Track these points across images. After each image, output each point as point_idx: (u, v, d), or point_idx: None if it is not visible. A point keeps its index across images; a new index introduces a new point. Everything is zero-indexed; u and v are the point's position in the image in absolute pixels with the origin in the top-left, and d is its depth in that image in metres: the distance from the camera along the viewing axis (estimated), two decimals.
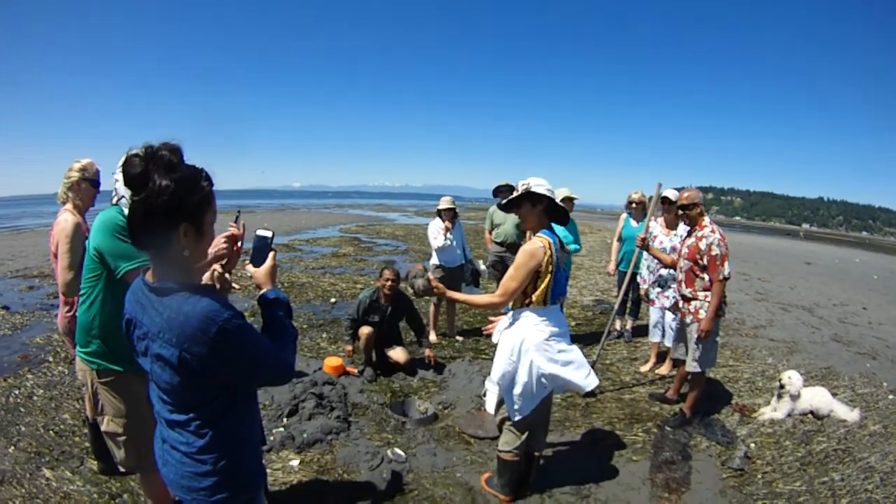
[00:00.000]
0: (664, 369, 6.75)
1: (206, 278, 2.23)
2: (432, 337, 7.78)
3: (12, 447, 4.45)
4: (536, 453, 4.05)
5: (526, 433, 3.78)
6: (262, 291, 2.10)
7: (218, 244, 2.55)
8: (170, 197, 1.64)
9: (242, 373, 1.82)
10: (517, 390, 3.59)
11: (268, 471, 4.23)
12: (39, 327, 7.90)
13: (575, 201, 7.55)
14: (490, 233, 8.20)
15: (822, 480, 4.39)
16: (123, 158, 1.68)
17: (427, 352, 6.46)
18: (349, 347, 6.48)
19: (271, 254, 2.15)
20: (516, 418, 3.64)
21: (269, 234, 2.16)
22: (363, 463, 4.39)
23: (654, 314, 6.94)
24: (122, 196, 3.21)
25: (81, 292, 3.20)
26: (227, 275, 2.31)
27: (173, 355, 1.68)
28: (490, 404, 3.96)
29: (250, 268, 2.13)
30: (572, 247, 7.47)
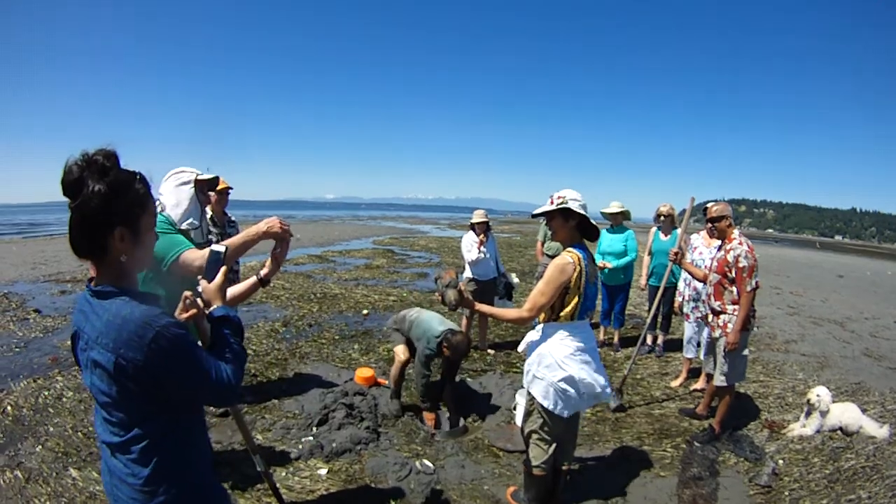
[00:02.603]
0: (699, 384, 6.71)
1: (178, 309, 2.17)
2: None
3: (40, 447, 4.60)
4: (564, 467, 4.03)
5: (553, 447, 3.78)
6: (210, 309, 2.05)
7: (274, 223, 2.63)
8: (101, 201, 1.62)
9: (179, 385, 1.71)
10: (555, 400, 3.58)
11: (295, 479, 4.32)
12: (70, 331, 7.98)
13: (627, 213, 7.78)
14: (542, 244, 8.29)
15: (850, 498, 4.35)
16: (63, 168, 1.66)
17: (447, 398, 5.81)
18: (432, 417, 5.53)
19: (222, 269, 2.13)
20: (565, 414, 3.63)
21: (222, 249, 2.17)
22: (391, 473, 4.45)
23: (688, 329, 6.93)
24: (165, 206, 3.33)
25: None
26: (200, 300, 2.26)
27: (109, 361, 1.61)
28: (519, 417, 3.97)
29: (203, 283, 2.11)
30: (625, 259, 7.54)
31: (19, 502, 3.81)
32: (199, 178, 3.57)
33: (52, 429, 4.93)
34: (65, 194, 1.64)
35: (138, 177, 1.76)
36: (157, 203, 3.34)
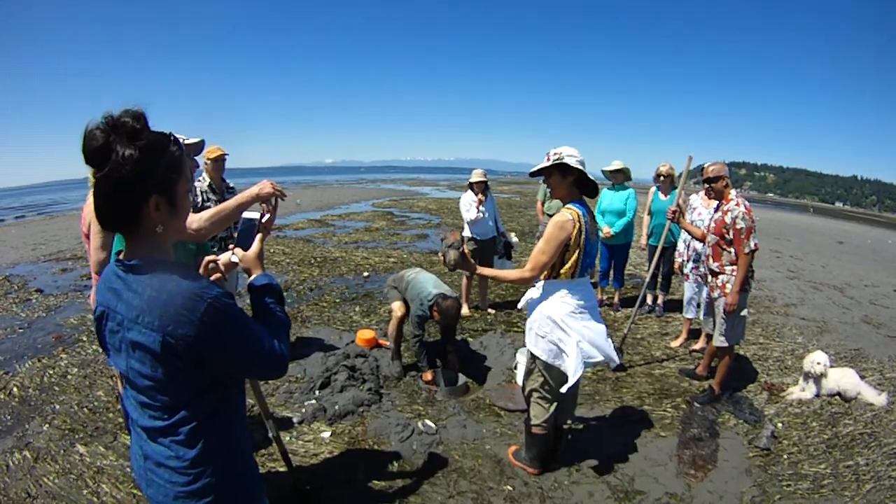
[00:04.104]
0: (699, 344, 6.74)
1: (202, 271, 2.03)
2: (464, 310, 7.83)
3: (47, 425, 4.62)
4: (565, 426, 4.09)
5: (554, 405, 3.82)
6: (250, 278, 1.93)
7: (265, 185, 2.58)
8: (134, 167, 1.47)
9: (233, 360, 1.62)
10: (556, 359, 3.60)
11: (299, 442, 4.36)
12: (73, 308, 8.09)
13: (627, 171, 7.81)
14: (542, 204, 8.32)
15: (847, 464, 4.38)
16: (84, 133, 1.48)
17: (450, 357, 5.92)
18: (429, 375, 5.61)
19: (259, 236, 2.03)
20: (573, 378, 3.58)
21: (256, 215, 2.09)
22: (394, 434, 4.49)
23: (688, 290, 6.92)
24: None
25: None
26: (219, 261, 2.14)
27: (155, 341, 1.49)
28: (520, 376, 3.98)
29: (238, 251, 1.99)
30: (623, 220, 7.57)
31: (29, 482, 3.82)
32: (186, 142, 3.50)
33: (58, 406, 4.95)
34: (88, 163, 1.49)
35: (172, 138, 1.62)
36: None
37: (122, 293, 1.56)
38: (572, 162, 3.51)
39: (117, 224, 1.58)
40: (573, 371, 3.57)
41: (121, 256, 1.62)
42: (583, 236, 3.49)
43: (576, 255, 3.51)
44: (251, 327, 1.64)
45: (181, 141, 3.41)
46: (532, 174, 3.82)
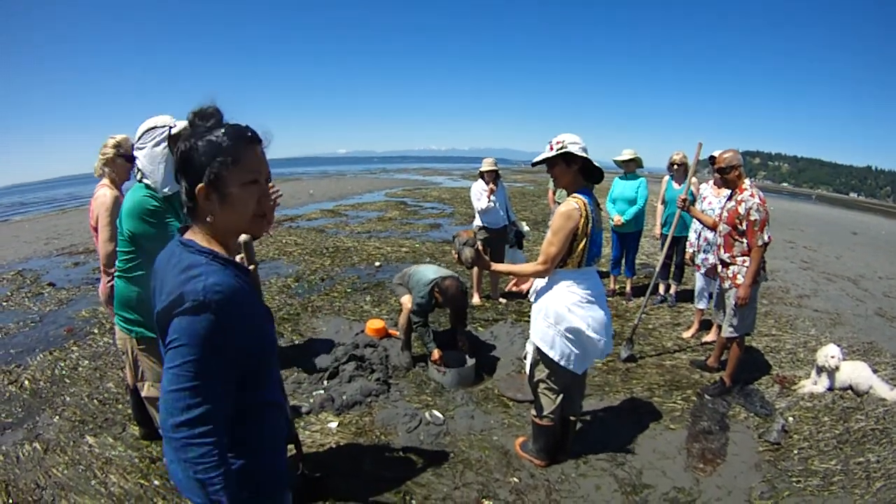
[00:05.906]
0: (711, 336, 6.68)
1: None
2: (475, 300, 7.84)
3: (57, 417, 4.67)
4: (572, 417, 4.07)
5: (561, 396, 3.80)
6: None
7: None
8: (188, 153, 1.58)
9: (165, 360, 1.52)
10: (562, 350, 3.59)
11: (306, 433, 4.36)
12: (85, 301, 8.13)
13: (638, 160, 7.73)
14: (553, 193, 8.26)
15: (858, 461, 4.32)
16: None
17: (460, 340, 5.93)
18: (436, 354, 5.45)
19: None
20: (571, 367, 3.63)
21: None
22: (401, 425, 4.49)
23: (699, 280, 6.85)
24: (144, 173, 3.20)
25: (119, 266, 3.27)
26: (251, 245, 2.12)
27: (156, 316, 1.56)
28: (529, 367, 3.97)
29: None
30: (633, 208, 7.52)
31: (38, 473, 3.86)
32: (174, 132, 3.24)
33: (68, 398, 5.00)
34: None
35: (232, 134, 1.62)
36: (136, 171, 3.26)
37: (165, 264, 1.65)
38: (576, 150, 3.49)
39: (186, 201, 1.67)
40: (577, 362, 3.57)
41: (181, 234, 1.70)
42: (590, 225, 3.46)
43: (583, 244, 3.49)
44: (209, 366, 1.50)
45: (170, 131, 3.29)
46: (535, 164, 3.80)
